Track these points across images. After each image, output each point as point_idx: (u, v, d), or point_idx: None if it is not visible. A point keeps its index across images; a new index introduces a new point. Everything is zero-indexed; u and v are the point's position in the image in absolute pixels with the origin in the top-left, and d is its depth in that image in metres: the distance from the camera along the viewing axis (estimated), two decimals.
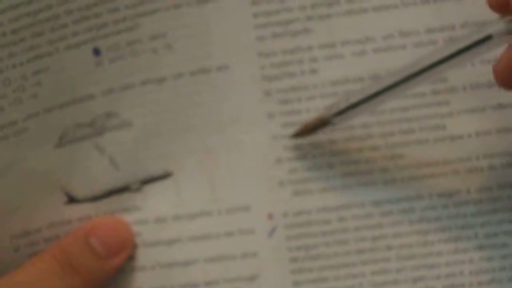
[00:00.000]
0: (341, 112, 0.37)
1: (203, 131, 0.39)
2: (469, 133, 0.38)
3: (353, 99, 0.36)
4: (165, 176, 0.40)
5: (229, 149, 0.39)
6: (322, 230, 0.39)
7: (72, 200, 0.40)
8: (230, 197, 0.39)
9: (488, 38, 0.33)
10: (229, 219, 0.39)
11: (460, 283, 0.39)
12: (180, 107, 0.39)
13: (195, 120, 0.39)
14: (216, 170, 0.39)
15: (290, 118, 0.39)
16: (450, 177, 0.39)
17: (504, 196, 0.38)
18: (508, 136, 0.38)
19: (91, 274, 0.38)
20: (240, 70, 0.39)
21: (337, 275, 0.39)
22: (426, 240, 0.39)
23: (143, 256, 0.40)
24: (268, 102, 0.39)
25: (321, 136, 0.39)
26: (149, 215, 0.40)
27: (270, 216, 0.39)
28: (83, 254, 0.38)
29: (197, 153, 0.40)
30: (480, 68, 0.38)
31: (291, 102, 0.39)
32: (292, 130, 0.39)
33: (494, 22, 0.33)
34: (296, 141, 0.39)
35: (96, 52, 0.39)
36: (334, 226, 0.39)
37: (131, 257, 0.40)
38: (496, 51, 0.34)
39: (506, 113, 0.38)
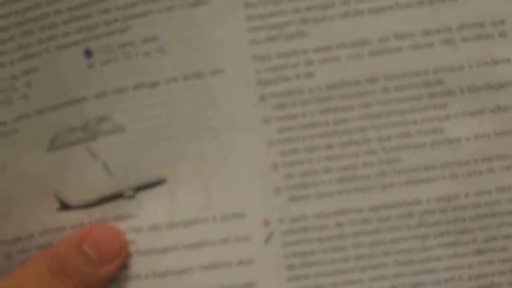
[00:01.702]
0: None
1: (197, 136, 0.39)
2: (467, 136, 0.38)
3: None
4: (159, 182, 0.39)
5: (224, 155, 0.39)
6: (319, 236, 0.38)
7: (64, 206, 0.39)
8: (225, 203, 0.39)
9: None
10: (225, 226, 0.39)
11: None
12: (173, 112, 0.39)
13: (189, 126, 0.39)
14: (211, 177, 0.39)
15: (286, 123, 0.38)
16: (448, 181, 0.38)
17: (503, 199, 0.38)
18: (507, 138, 0.38)
19: (83, 280, 0.37)
20: (235, 74, 0.38)
21: (334, 281, 0.38)
22: (425, 245, 0.38)
23: (137, 265, 0.39)
24: (264, 106, 0.38)
25: (317, 140, 0.38)
26: (143, 222, 0.39)
27: (266, 223, 0.39)
28: (76, 259, 0.38)
29: (192, 159, 0.39)
30: (477, 70, 0.37)
31: (287, 106, 0.38)
32: (287, 134, 0.38)
33: None
34: (292, 146, 0.38)
35: (88, 53, 0.38)
36: (331, 232, 0.38)
37: (125, 266, 0.39)
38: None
39: (505, 115, 0.38)
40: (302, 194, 0.38)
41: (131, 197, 0.39)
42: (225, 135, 0.39)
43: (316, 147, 0.38)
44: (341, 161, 0.38)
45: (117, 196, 0.39)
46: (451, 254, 0.38)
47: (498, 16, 0.37)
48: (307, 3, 0.38)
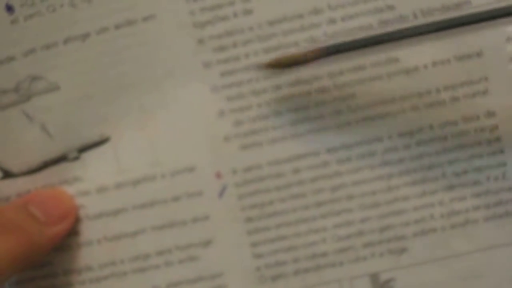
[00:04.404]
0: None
1: (136, 89, 0.36)
2: (425, 64, 0.35)
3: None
4: (102, 141, 0.37)
5: (167, 106, 0.36)
6: (276, 185, 0.36)
7: (7, 174, 0.37)
8: (173, 158, 0.36)
9: None
10: (175, 183, 0.36)
11: (431, 228, 0.36)
12: (108, 65, 0.36)
13: (127, 78, 0.36)
14: (155, 130, 0.36)
15: (228, 66, 0.36)
16: (409, 114, 0.35)
17: (471, 129, 0.35)
18: (469, 63, 0.35)
19: (28, 236, 0.35)
20: (168, 18, 0.36)
21: (297, 231, 0.36)
22: (390, 185, 0.36)
23: (88, 230, 0.37)
24: (203, 50, 0.36)
25: (265, 82, 0.35)
26: (90, 185, 0.37)
27: (218, 175, 0.36)
28: (20, 217, 0.35)
29: (133, 114, 0.36)
30: None
31: (227, 48, 0.36)
32: (231, 78, 0.36)
33: None
34: (238, 90, 0.36)
35: (9, 8, 0.36)
36: (289, 179, 0.36)
37: (75, 232, 0.37)
38: None
39: (465, 38, 0.35)
40: (253, 141, 0.36)
41: (75, 159, 0.37)
42: (165, 84, 0.36)
43: (263, 89, 0.36)
44: (291, 102, 0.35)
45: (60, 159, 0.37)
46: (419, 192, 0.36)
47: None
48: None
